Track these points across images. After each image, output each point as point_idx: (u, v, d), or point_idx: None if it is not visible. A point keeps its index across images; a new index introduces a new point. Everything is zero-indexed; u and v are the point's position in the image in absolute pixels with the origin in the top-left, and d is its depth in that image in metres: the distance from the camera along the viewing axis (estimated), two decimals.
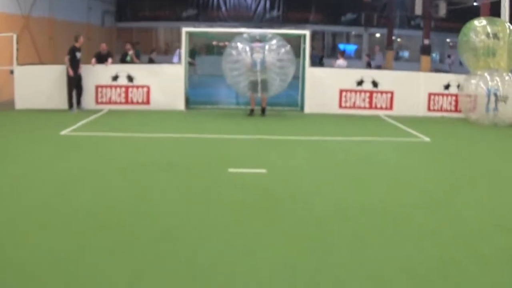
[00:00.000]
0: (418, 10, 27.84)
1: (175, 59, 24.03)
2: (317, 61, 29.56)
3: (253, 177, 9.25)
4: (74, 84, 17.26)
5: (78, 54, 17.33)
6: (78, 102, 17.47)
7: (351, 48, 43.60)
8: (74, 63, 17.20)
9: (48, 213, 7.15)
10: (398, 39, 42.18)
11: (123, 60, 19.77)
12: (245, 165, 10.09)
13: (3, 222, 6.75)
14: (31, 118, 15.60)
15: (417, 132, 14.54)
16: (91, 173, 9.36)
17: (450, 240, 6.45)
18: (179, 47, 19.49)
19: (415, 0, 28.33)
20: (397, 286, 5.21)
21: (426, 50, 27.70)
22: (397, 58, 41.14)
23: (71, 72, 17.05)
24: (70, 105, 17.19)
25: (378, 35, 40.95)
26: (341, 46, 43.06)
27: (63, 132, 13.16)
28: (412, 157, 11.67)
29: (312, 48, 27.69)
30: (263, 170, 9.61)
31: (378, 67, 27.69)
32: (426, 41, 27.76)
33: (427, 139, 13.61)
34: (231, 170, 9.62)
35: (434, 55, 37.42)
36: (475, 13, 22.27)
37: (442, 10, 27.60)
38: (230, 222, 6.90)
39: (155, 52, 23.45)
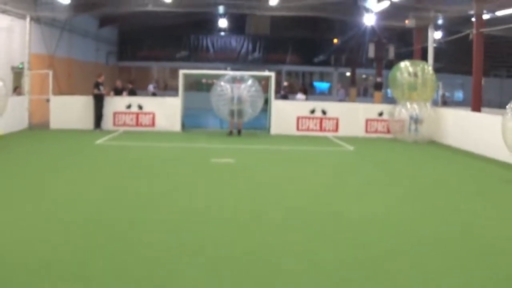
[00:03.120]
0: (371, 53, 33.57)
1: (150, 88, 34.23)
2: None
3: (225, 163, 15.10)
4: (99, 110, 22.97)
5: (101, 88, 23.09)
6: (99, 125, 23.10)
7: (324, 85, 49.47)
8: (99, 93, 22.98)
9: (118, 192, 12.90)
10: (363, 76, 48.01)
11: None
12: (221, 157, 15.93)
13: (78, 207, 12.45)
14: (68, 134, 21.12)
15: (347, 144, 20.32)
16: (126, 164, 15.15)
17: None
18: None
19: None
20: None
21: (378, 87, 33.58)
22: (365, 94, 46.95)
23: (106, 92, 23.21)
24: (96, 125, 22.84)
25: (348, 73, 46.36)
26: (316, 84, 49.18)
27: (97, 142, 18.88)
28: (335, 157, 17.57)
29: (289, 84, 33.60)
30: (232, 160, 15.50)
31: (341, 101, 33.50)
32: (379, 79, 33.68)
33: (351, 148, 19.41)
34: (213, 160, 15.49)
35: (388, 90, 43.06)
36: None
37: (391, 53, 33.41)
38: (212, 182, 12.65)
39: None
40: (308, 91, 42.34)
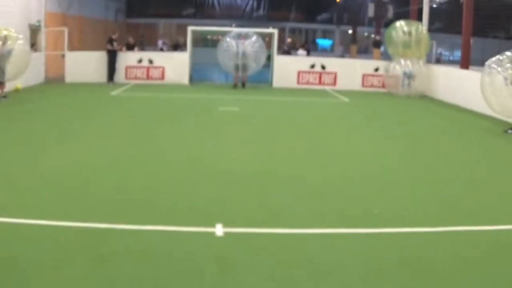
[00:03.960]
0: (371, 12, 34.97)
1: (160, 43, 35.35)
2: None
3: (231, 111, 16.83)
4: (112, 64, 24.58)
5: (115, 44, 24.66)
6: (112, 78, 24.71)
7: (327, 42, 50.89)
8: (112, 49, 24.56)
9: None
10: (365, 34, 49.38)
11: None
12: (228, 106, 17.63)
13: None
14: (83, 87, 22.68)
15: (343, 97, 21.99)
16: (144, 111, 16.86)
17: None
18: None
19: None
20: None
21: (376, 44, 35.01)
22: (366, 51, 48.34)
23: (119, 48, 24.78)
24: (109, 79, 24.48)
25: (350, 31, 47.81)
26: (319, 41, 50.59)
27: (112, 93, 20.54)
28: (331, 107, 19.26)
29: (292, 41, 35.08)
30: (237, 108, 17.25)
31: (340, 57, 34.99)
32: (377, 37, 35.11)
33: (347, 100, 21.06)
34: (220, 108, 17.22)
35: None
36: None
37: (390, 13, 34.79)
38: (220, 126, 14.39)
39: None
40: (311, 48, 44.04)
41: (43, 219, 6.59)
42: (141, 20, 46.85)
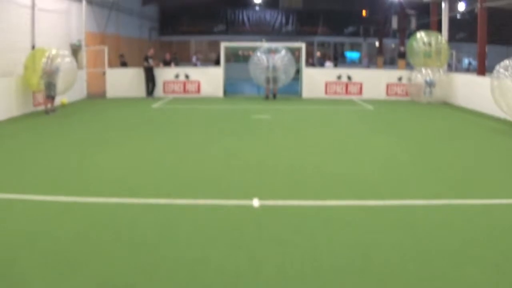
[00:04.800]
0: (394, 24, 36.48)
1: (194, 59, 37.07)
2: (321, 63, 38.10)
3: (263, 118, 18.55)
4: (150, 80, 26.45)
5: (150, 60, 26.54)
6: (151, 92, 26.58)
7: (355, 55, 52.40)
8: (148, 66, 26.44)
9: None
10: (393, 46, 50.75)
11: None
12: (260, 114, 19.37)
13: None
14: (125, 101, 24.59)
15: (368, 105, 23.56)
16: (185, 120, 18.64)
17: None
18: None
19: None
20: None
21: (401, 55, 36.40)
22: (392, 62, 49.82)
23: (155, 64, 26.66)
24: (148, 93, 26.36)
25: (377, 44, 49.07)
26: (347, 53, 52.18)
27: (154, 106, 22.39)
28: (355, 114, 20.82)
29: (322, 54, 36.83)
30: (268, 116, 18.96)
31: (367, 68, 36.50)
32: (402, 48, 36.54)
33: (371, 107, 22.63)
34: (253, 116, 18.98)
35: None
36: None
37: (413, 24, 36.26)
38: (254, 131, 16.11)
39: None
40: (339, 60, 45.65)
41: (116, 197, 8.44)
42: (174, 38, 48.90)
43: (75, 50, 26.45)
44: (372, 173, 10.30)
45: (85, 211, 7.80)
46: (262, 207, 7.95)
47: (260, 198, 8.21)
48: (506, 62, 17.60)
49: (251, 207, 7.93)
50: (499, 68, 17.65)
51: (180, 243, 6.52)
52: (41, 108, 19.80)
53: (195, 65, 37.54)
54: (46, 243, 6.46)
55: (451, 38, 28.88)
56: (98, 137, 14.65)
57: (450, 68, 30.11)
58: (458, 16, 38.04)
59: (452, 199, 8.57)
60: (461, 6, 36.26)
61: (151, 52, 27.22)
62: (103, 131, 15.99)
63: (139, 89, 26.63)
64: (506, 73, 17.41)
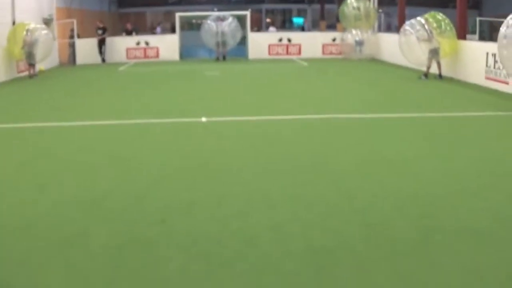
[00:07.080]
0: None
1: (158, 30, 39.52)
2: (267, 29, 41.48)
3: (214, 75, 22.47)
4: (100, 48, 30.00)
5: (99, 31, 29.98)
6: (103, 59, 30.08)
7: (301, 20, 56.06)
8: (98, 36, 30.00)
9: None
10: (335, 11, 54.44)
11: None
12: (211, 71, 23.25)
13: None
14: (94, 67, 27.92)
15: (304, 62, 27.45)
16: (149, 78, 22.35)
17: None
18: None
19: None
20: None
21: (338, 19, 40.03)
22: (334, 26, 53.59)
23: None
24: (102, 60, 29.89)
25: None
26: (294, 19, 55.92)
27: (120, 69, 25.97)
28: (291, 69, 24.78)
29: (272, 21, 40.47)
30: (218, 73, 22.97)
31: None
32: None
33: (306, 64, 26.57)
34: (205, 73, 22.88)
35: None
36: None
37: None
38: (207, 85, 19.90)
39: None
40: (287, 26, 49.17)
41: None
42: (132, 10, 51.66)
43: (47, 24, 29.45)
44: (293, 105, 14.32)
45: (81, 133, 11.54)
46: (208, 121, 11.91)
47: (207, 117, 12.15)
48: (412, 21, 21.52)
49: (201, 122, 11.88)
50: (406, 26, 21.64)
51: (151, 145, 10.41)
52: (24, 74, 23.05)
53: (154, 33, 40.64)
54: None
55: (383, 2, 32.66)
56: (81, 90, 18.51)
57: (380, 29, 33.96)
58: None
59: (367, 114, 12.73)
60: None
61: (100, 22, 30.78)
62: (84, 86, 19.79)
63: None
64: (412, 30, 21.38)
